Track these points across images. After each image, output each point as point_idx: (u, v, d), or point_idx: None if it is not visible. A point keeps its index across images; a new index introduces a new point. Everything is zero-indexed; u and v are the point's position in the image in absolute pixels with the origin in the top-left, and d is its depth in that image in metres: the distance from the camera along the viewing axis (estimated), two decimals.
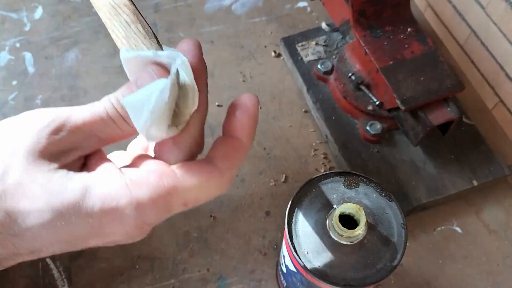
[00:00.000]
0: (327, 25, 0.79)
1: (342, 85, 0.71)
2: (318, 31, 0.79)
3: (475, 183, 0.66)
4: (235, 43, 0.82)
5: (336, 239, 0.44)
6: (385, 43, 0.66)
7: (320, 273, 0.43)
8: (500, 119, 0.73)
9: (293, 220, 0.45)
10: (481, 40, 0.73)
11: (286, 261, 0.49)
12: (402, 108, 0.62)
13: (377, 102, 0.67)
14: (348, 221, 0.44)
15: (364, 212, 0.42)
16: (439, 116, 0.63)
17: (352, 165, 0.67)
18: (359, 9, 0.66)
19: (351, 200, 0.46)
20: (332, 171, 0.48)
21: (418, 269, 0.64)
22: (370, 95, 0.68)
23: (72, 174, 0.32)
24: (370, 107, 0.68)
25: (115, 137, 0.35)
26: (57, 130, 0.33)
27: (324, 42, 0.78)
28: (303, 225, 0.45)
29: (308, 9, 0.87)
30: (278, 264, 0.58)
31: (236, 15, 0.86)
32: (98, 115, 0.33)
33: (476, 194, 0.69)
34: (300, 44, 0.78)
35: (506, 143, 0.72)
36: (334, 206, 0.45)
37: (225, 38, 0.83)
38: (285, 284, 0.56)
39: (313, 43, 0.78)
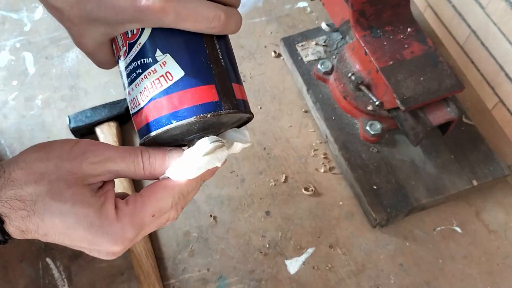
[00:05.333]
0: (327, 25, 0.79)
1: (342, 85, 0.71)
2: (318, 31, 0.79)
3: (475, 183, 0.66)
4: (235, 43, 0.82)
5: None
6: (385, 43, 0.66)
7: None
8: (500, 119, 0.73)
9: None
10: (481, 40, 0.73)
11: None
12: (402, 108, 0.62)
13: (377, 102, 0.67)
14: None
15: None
16: (439, 116, 0.63)
17: (352, 165, 0.67)
18: (359, 9, 0.66)
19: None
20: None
21: (418, 269, 0.64)
22: (370, 95, 0.68)
23: (95, 192, 0.38)
24: (370, 107, 0.68)
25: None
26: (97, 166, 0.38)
27: (324, 42, 0.78)
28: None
29: (308, 9, 0.87)
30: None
31: None
32: (133, 172, 0.39)
33: (476, 194, 0.69)
34: (300, 44, 0.78)
35: (506, 143, 0.72)
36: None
37: None
38: None
39: (313, 43, 0.78)
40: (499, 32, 0.68)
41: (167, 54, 0.37)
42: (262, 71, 0.79)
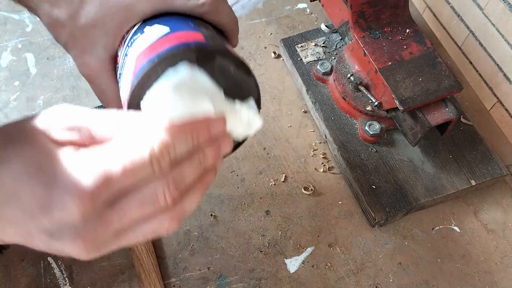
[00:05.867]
0: (326, 26, 0.79)
1: (341, 86, 0.71)
2: (317, 32, 0.80)
3: (473, 182, 0.67)
4: None
5: None
6: (384, 44, 0.67)
7: None
8: (498, 119, 0.73)
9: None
10: (479, 41, 0.73)
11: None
12: (401, 108, 0.62)
13: (376, 103, 0.68)
14: None
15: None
16: (438, 116, 0.63)
17: (351, 165, 0.68)
18: (358, 10, 0.66)
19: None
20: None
21: (417, 268, 0.64)
22: (369, 95, 0.69)
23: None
24: (369, 108, 0.69)
25: None
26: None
27: (324, 43, 0.79)
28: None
29: (308, 10, 0.87)
30: None
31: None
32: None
33: (474, 194, 0.69)
34: (299, 45, 0.79)
35: (504, 143, 0.72)
36: None
37: None
38: None
39: (313, 44, 0.79)
40: (498, 33, 0.69)
41: (155, 24, 0.36)
42: (262, 71, 0.80)
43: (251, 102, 0.39)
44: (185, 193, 0.32)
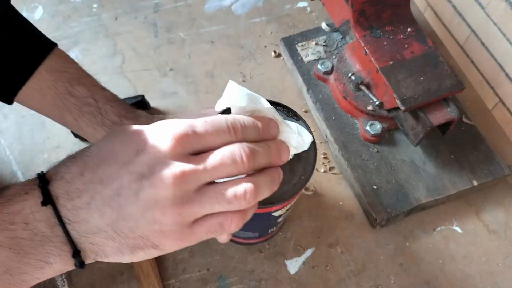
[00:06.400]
0: (327, 25, 0.79)
1: (342, 85, 0.71)
2: (318, 31, 0.79)
3: (475, 183, 0.66)
4: (235, 43, 0.82)
5: None
6: (385, 43, 0.66)
7: None
8: (500, 119, 0.73)
9: None
10: (481, 40, 0.73)
11: None
12: (402, 108, 0.62)
13: (377, 102, 0.67)
14: None
15: None
16: (439, 116, 0.63)
17: (352, 165, 0.67)
18: (359, 9, 0.66)
19: None
20: None
21: (418, 269, 0.64)
22: (370, 95, 0.68)
23: None
24: (370, 107, 0.68)
25: None
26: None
27: (324, 42, 0.78)
28: None
29: (308, 9, 0.87)
30: None
31: (236, 15, 0.86)
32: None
33: (476, 194, 0.69)
34: (300, 44, 0.78)
35: (506, 143, 0.72)
36: None
37: (225, 38, 0.83)
38: None
39: (313, 43, 0.78)
40: (499, 32, 0.68)
41: None
42: (262, 71, 0.79)
43: (300, 121, 0.48)
44: (258, 172, 0.37)
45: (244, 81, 0.78)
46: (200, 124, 0.35)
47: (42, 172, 0.35)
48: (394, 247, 0.65)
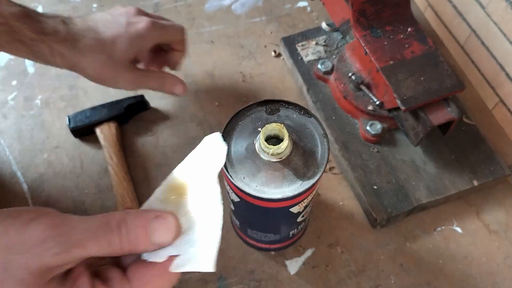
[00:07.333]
0: (327, 25, 0.79)
1: (342, 85, 0.70)
2: (318, 31, 0.79)
3: (475, 183, 0.66)
4: (235, 43, 0.82)
5: (266, 158, 0.46)
6: (385, 43, 0.66)
7: (258, 192, 0.45)
8: (501, 119, 0.73)
9: (227, 153, 0.47)
10: (481, 40, 0.72)
11: (231, 196, 0.51)
12: (402, 108, 0.62)
13: (377, 102, 0.67)
14: (276, 142, 0.46)
15: (287, 130, 0.45)
16: (440, 116, 0.63)
17: (352, 165, 0.67)
18: (359, 9, 0.66)
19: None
20: (253, 102, 0.50)
21: (418, 269, 0.63)
22: (370, 95, 0.68)
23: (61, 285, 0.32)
24: (370, 107, 0.68)
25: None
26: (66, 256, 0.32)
27: (324, 42, 0.78)
28: (236, 155, 0.47)
29: (308, 9, 0.87)
30: (231, 213, 0.60)
31: (236, 15, 0.86)
32: (109, 253, 0.33)
33: (476, 194, 0.69)
34: (300, 44, 0.78)
35: (507, 143, 0.71)
36: (259, 129, 0.47)
37: (225, 38, 0.83)
38: (237, 223, 0.59)
39: (313, 43, 0.78)
40: (500, 32, 0.68)
41: None
42: (262, 70, 0.79)
43: (312, 118, 0.49)
44: None
45: (244, 81, 0.78)
46: None
47: None
48: (395, 247, 0.65)
